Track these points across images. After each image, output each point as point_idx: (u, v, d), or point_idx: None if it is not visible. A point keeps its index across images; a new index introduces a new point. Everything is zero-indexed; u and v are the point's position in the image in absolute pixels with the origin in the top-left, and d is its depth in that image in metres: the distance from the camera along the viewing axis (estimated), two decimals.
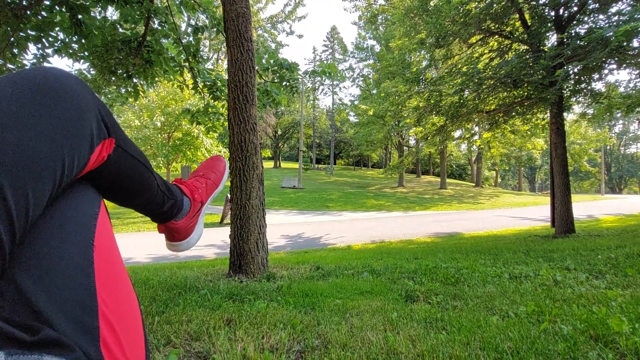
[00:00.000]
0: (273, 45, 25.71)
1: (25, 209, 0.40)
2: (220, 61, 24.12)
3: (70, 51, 3.97)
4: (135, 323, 0.54)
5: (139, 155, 0.65)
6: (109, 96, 5.00)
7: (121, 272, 0.54)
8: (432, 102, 6.93)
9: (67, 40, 3.87)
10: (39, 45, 3.74)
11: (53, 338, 0.39)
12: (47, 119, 0.44)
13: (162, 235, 0.88)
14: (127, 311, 0.52)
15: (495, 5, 5.76)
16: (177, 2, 4.54)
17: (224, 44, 3.49)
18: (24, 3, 3.43)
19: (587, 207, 15.16)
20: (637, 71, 5.19)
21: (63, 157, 0.45)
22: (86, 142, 0.49)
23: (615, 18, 4.78)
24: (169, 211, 0.79)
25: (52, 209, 0.47)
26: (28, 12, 3.45)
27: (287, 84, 4.90)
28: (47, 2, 3.49)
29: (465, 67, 6.60)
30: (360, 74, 33.11)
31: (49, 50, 3.84)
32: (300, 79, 5.16)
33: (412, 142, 30.90)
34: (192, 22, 5.40)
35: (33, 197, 0.41)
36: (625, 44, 4.29)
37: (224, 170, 1.01)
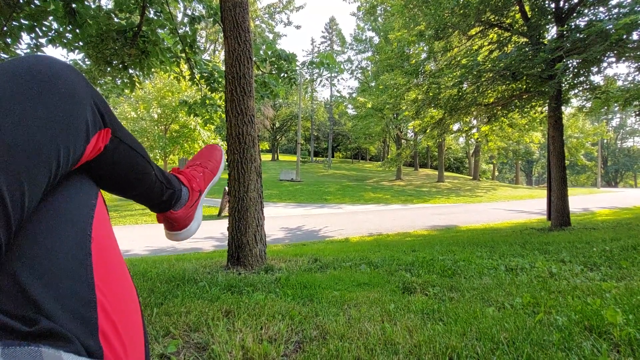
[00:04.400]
0: (271, 36, 25.43)
1: (20, 200, 0.40)
2: (217, 52, 23.85)
3: (65, 41, 3.90)
4: (133, 314, 0.54)
5: (136, 145, 0.64)
6: (105, 87, 4.93)
7: (119, 264, 0.54)
8: (431, 94, 6.89)
9: (61, 29, 3.80)
10: (33, 35, 3.68)
11: (51, 329, 0.39)
12: (41, 109, 0.43)
13: (160, 228, 0.87)
14: (125, 302, 0.52)
15: None
16: None
17: (221, 34, 3.45)
18: None
19: (583, 200, 15.27)
20: (636, 64, 5.17)
21: (58, 147, 0.44)
22: (81, 133, 0.49)
23: (616, 10, 4.74)
24: (167, 201, 0.79)
25: (48, 201, 0.47)
26: (21, 1, 3.39)
27: (285, 75, 4.86)
28: None
29: (464, 60, 6.56)
30: (359, 66, 32.84)
31: (43, 40, 3.78)
32: (298, 70, 5.12)
33: (410, 135, 30.86)
34: (189, 11, 5.32)
35: (28, 189, 0.40)
36: (625, 37, 4.26)
37: (221, 159, 1.01)
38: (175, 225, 0.84)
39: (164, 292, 1.92)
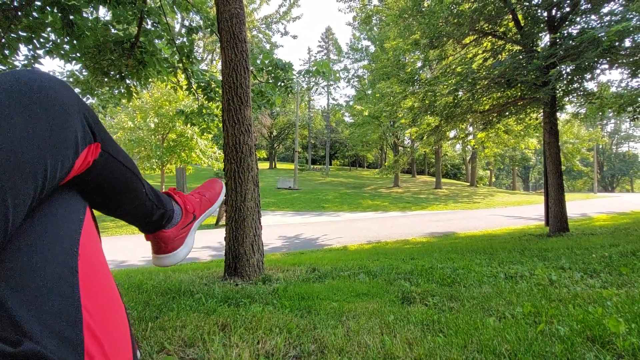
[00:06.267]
0: (268, 46, 25.65)
1: (4, 216, 0.38)
2: (214, 62, 24.01)
3: (62, 52, 3.91)
4: (122, 333, 0.52)
5: (127, 161, 0.63)
6: (102, 97, 4.94)
7: (107, 280, 0.53)
8: (427, 102, 6.95)
9: (58, 41, 3.82)
10: (30, 47, 3.69)
11: (34, 351, 0.38)
12: (29, 123, 0.42)
13: None
14: (113, 321, 0.51)
15: (488, 6, 5.80)
16: (170, 2, 4.50)
17: (218, 44, 3.48)
18: (15, 4, 3.38)
19: (580, 205, 15.32)
20: (629, 71, 5.24)
21: (45, 162, 0.43)
22: (70, 147, 0.48)
23: (607, 18, 4.82)
24: (157, 221, 0.77)
25: (35, 217, 0.46)
26: (19, 13, 3.40)
27: (282, 84, 4.89)
28: (38, 3, 3.44)
29: (459, 68, 6.63)
30: (355, 74, 33.16)
31: (40, 52, 3.79)
32: (295, 79, 5.15)
33: (407, 142, 31.01)
34: (186, 22, 5.37)
35: (13, 204, 0.39)
36: (617, 44, 4.33)
37: (220, 191, 1.01)
38: (162, 247, 0.81)
39: (160, 305, 1.88)
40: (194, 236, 0.88)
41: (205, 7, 4.62)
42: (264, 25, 24.77)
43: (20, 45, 3.62)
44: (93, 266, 0.50)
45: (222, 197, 1.01)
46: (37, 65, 3.89)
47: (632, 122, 5.91)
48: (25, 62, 3.82)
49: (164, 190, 0.85)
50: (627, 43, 4.65)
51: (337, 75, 33.02)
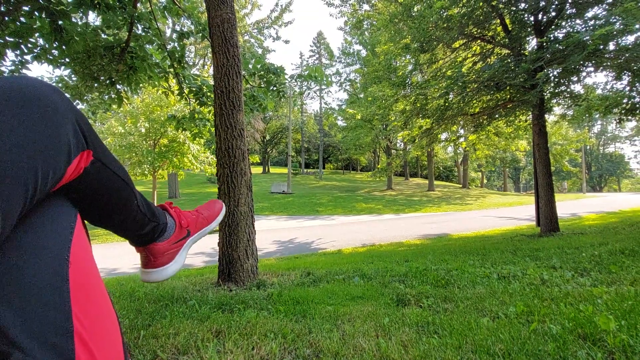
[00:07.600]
0: (260, 51, 25.66)
1: None
2: (206, 67, 23.93)
3: (51, 57, 3.86)
4: (113, 341, 0.52)
5: (119, 170, 0.62)
6: (92, 103, 4.88)
7: (99, 288, 0.52)
8: (419, 105, 7.02)
9: (47, 46, 3.77)
10: (18, 52, 3.63)
11: None
12: (20, 130, 0.42)
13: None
14: (105, 329, 0.50)
15: (477, 11, 5.90)
16: (161, 7, 4.48)
17: (210, 49, 3.48)
18: (2, 9, 3.34)
19: (570, 205, 15.56)
20: (614, 73, 5.37)
21: (36, 169, 0.43)
22: (63, 154, 0.47)
23: (592, 22, 4.94)
24: (149, 234, 0.74)
25: (25, 224, 0.45)
26: (6, 18, 3.35)
27: (274, 88, 4.89)
28: (26, 8, 3.39)
29: (449, 71, 6.72)
30: (347, 78, 33.36)
31: (28, 57, 3.73)
32: (287, 84, 5.16)
33: (399, 145, 31.23)
34: (177, 27, 5.35)
35: (2, 213, 0.39)
36: (601, 47, 4.44)
37: (219, 211, 0.99)
38: (151, 261, 0.78)
39: (152, 312, 1.85)
40: (185, 254, 0.85)
41: (196, 12, 4.61)
42: (255, 30, 24.80)
43: (7, 50, 3.56)
44: (84, 274, 0.49)
45: (220, 218, 0.98)
46: (24, 71, 3.83)
47: (618, 124, 6.08)
48: (13, 67, 3.76)
49: (159, 204, 0.83)
50: (612, 46, 4.77)
51: (329, 79, 33.13)
